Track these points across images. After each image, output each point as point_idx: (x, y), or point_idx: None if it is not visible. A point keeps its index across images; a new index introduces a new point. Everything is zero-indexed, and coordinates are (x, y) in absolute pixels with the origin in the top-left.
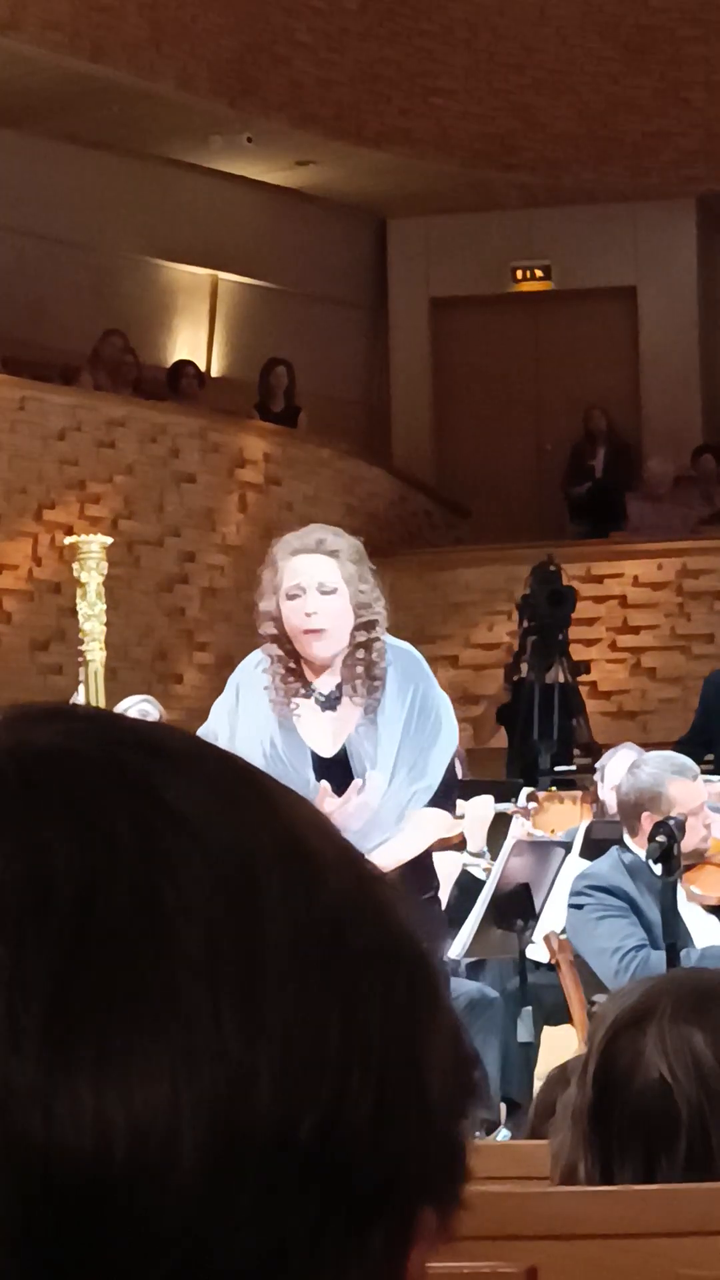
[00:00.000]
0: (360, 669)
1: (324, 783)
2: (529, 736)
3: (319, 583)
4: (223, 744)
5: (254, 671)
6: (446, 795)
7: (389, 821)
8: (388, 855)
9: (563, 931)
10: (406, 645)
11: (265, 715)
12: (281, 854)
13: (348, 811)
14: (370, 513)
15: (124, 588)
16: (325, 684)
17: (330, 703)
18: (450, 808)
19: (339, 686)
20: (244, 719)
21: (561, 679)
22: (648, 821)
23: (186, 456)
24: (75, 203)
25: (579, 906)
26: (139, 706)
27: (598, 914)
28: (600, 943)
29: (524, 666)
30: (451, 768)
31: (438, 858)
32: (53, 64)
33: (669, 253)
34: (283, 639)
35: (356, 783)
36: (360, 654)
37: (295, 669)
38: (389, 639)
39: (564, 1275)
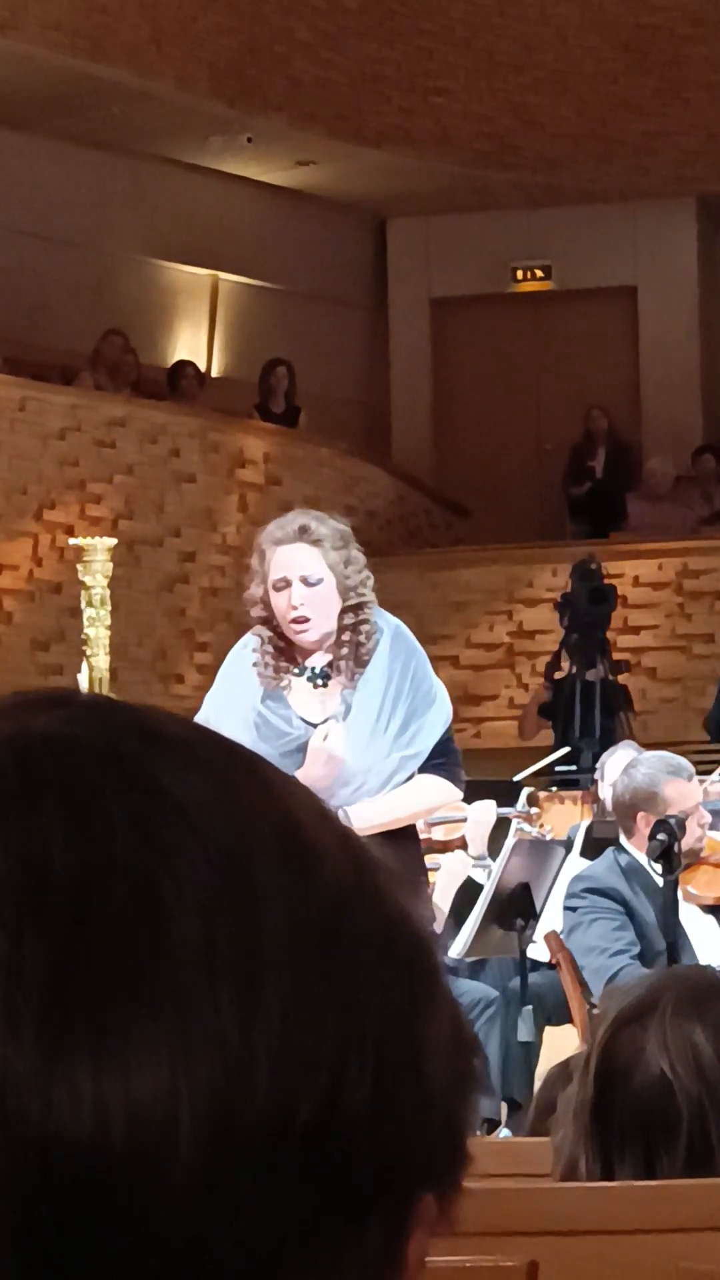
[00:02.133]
0: (347, 650)
1: (323, 727)
2: (570, 734)
3: (303, 575)
4: (212, 724)
5: (241, 651)
6: (451, 770)
7: (373, 785)
8: (379, 810)
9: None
10: (396, 620)
11: (252, 686)
12: (279, 842)
13: (316, 755)
14: (370, 512)
15: (124, 588)
16: (316, 661)
17: (321, 679)
18: (457, 782)
19: (330, 664)
20: (232, 692)
21: (603, 677)
22: (643, 822)
23: (187, 456)
24: (75, 203)
25: (573, 909)
26: None
27: (590, 916)
28: (589, 943)
29: (565, 664)
30: (451, 742)
31: (446, 859)
32: (53, 64)
33: (669, 252)
34: (271, 623)
35: (321, 729)
36: (347, 636)
37: (285, 650)
38: (381, 614)
39: (565, 1270)
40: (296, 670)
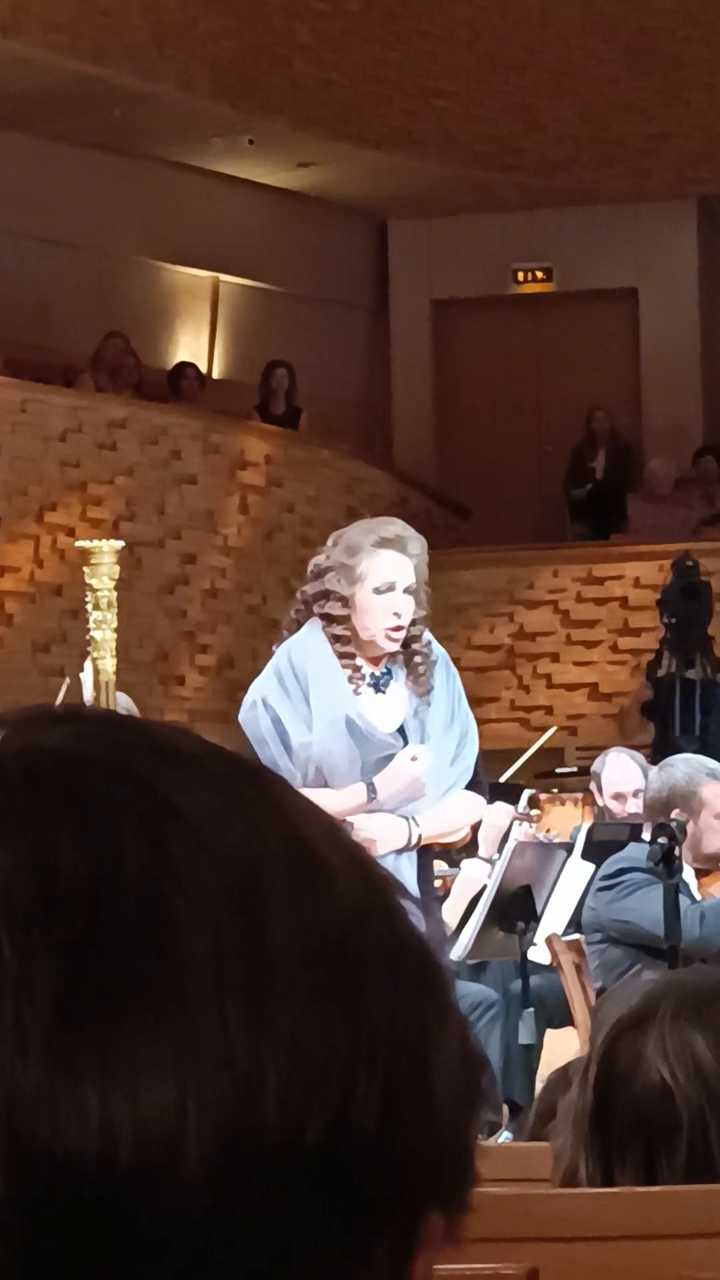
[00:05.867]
0: (418, 660)
1: (409, 747)
2: (670, 733)
3: (406, 584)
4: (285, 723)
5: (310, 659)
6: (484, 788)
7: (433, 798)
8: (440, 822)
9: (565, 932)
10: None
11: (342, 688)
12: (289, 858)
13: (402, 775)
14: (371, 514)
15: (125, 589)
16: (375, 668)
17: (381, 686)
18: (484, 794)
19: (387, 671)
20: (321, 699)
21: (703, 675)
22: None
23: (188, 458)
24: (77, 205)
25: (613, 886)
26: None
27: (644, 884)
28: (651, 904)
29: (665, 662)
30: (479, 758)
31: (466, 864)
32: (54, 66)
33: (670, 254)
34: (348, 622)
35: (409, 750)
36: (415, 645)
37: (351, 652)
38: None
39: (565, 1277)
40: (360, 675)
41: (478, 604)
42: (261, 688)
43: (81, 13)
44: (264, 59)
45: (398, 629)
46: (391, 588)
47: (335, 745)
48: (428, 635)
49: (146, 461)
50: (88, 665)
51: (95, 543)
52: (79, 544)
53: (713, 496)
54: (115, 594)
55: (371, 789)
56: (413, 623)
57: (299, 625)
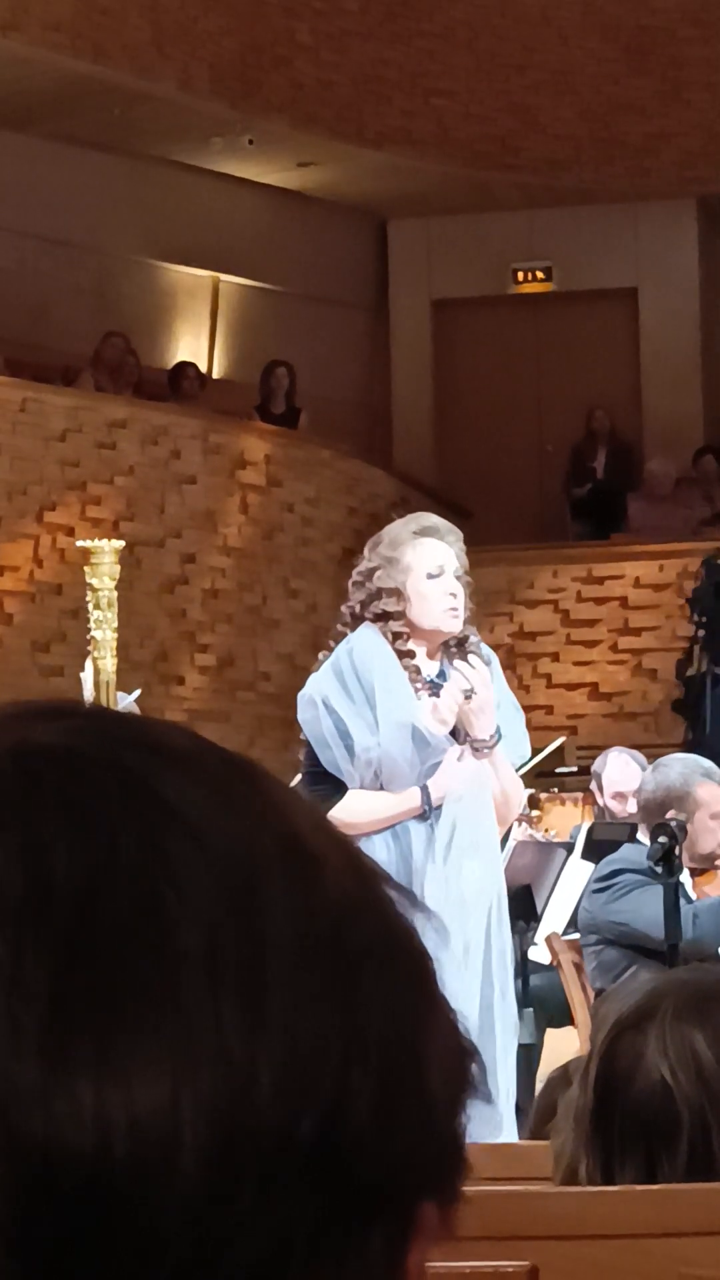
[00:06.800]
0: (472, 657)
1: (455, 749)
2: (701, 731)
3: (456, 567)
4: (348, 722)
5: (373, 659)
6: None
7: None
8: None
9: (566, 932)
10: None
11: (408, 697)
12: (282, 853)
13: (453, 777)
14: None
15: (125, 589)
16: (430, 669)
17: (435, 688)
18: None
19: (440, 673)
20: (386, 702)
21: None
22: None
23: (188, 458)
24: (77, 204)
25: (607, 887)
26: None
27: (638, 885)
28: (647, 906)
29: (695, 661)
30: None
31: None
32: (54, 65)
33: (670, 254)
34: (404, 618)
35: (455, 751)
36: (468, 646)
37: (411, 650)
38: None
39: (566, 1275)
40: (418, 677)
41: (478, 604)
42: (322, 688)
43: (81, 12)
44: (264, 58)
45: (453, 610)
46: (442, 571)
47: (399, 750)
48: (475, 635)
49: (146, 461)
50: (88, 665)
51: (95, 542)
52: (79, 544)
53: (712, 496)
54: (115, 594)
55: (426, 794)
56: (467, 621)
57: (344, 638)
